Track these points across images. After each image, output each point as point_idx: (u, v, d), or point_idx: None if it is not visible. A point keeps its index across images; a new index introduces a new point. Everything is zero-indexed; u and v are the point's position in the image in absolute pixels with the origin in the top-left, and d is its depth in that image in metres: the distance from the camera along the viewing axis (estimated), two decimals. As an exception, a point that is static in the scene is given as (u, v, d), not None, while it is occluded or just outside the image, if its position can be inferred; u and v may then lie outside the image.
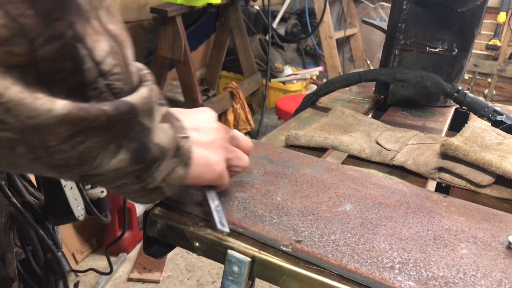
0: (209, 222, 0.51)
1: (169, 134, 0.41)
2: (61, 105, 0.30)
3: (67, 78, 0.31)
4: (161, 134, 0.40)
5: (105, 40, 0.33)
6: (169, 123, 0.42)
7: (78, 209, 0.83)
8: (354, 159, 0.78)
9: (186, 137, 0.45)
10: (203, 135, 0.50)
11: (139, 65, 0.40)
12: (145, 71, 0.40)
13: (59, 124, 0.31)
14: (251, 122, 3.24)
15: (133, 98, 0.36)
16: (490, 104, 0.97)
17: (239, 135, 0.58)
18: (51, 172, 0.35)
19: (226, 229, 0.49)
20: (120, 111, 0.34)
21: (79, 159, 0.34)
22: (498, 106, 0.97)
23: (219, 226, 0.49)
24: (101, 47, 0.32)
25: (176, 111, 0.49)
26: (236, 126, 3.14)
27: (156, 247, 0.59)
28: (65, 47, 0.30)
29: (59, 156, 0.33)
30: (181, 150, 0.44)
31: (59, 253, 0.85)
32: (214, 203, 0.51)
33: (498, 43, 4.18)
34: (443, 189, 0.76)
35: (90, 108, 0.32)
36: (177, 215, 0.54)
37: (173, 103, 2.91)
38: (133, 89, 0.37)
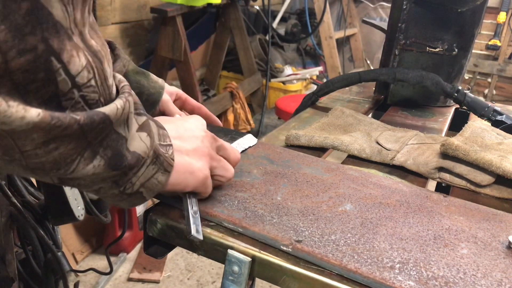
0: (185, 227, 0.51)
1: (146, 143, 0.43)
2: (34, 113, 0.32)
3: (41, 89, 0.33)
4: (137, 143, 0.42)
5: (84, 55, 0.35)
6: (147, 132, 0.44)
7: (78, 209, 0.83)
8: (354, 159, 0.79)
9: (169, 145, 0.47)
10: (186, 143, 0.51)
11: (120, 77, 0.43)
12: (124, 83, 0.42)
13: (32, 131, 0.33)
14: (251, 122, 3.24)
15: (107, 109, 0.38)
16: (490, 104, 0.97)
17: (228, 145, 0.59)
18: (29, 174, 0.37)
19: (200, 237, 0.49)
20: (93, 121, 0.36)
21: (54, 163, 0.36)
22: (498, 106, 0.97)
23: (193, 232, 0.49)
24: (78, 61, 0.34)
25: (161, 119, 0.51)
26: (236, 126, 3.14)
27: (156, 247, 0.59)
28: (38, 59, 0.32)
29: (34, 160, 0.35)
30: (161, 157, 0.45)
31: (59, 253, 0.85)
32: (192, 209, 0.51)
33: (498, 43, 4.18)
34: (443, 189, 0.76)
35: (62, 117, 0.34)
36: (177, 215, 0.54)
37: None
38: (110, 101, 0.39)
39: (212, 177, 0.54)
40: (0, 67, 0.30)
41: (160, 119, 0.52)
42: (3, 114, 0.31)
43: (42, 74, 0.32)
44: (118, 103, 0.39)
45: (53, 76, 0.33)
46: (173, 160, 0.48)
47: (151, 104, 0.72)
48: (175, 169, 0.48)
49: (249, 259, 0.49)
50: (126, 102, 0.40)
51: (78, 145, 0.36)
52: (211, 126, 0.78)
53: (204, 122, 0.57)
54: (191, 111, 0.79)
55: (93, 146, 0.37)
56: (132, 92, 0.43)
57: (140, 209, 2.09)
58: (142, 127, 0.43)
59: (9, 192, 0.75)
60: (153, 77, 0.74)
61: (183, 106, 0.79)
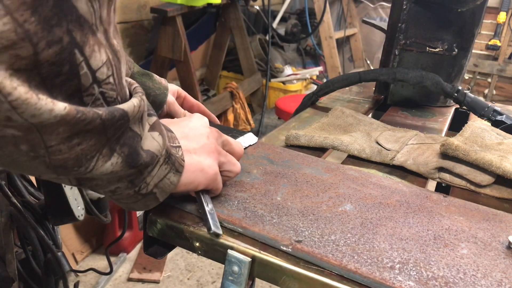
0: (204, 224, 0.52)
1: (159, 142, 0.44)
2: (61, 106, 0.33)
3: (66, 82, 0.33)
4: (151, 141, 0.43)
5: (105, 51, 0.36)
6: (159, 131, 0.45)
7: (78, 209, 0.83)
8: (354, 159, 0.78)
9: (178, 147, 0.48)
10: (193, 142, 0.52)
11: (130, 80, 0.44)
12: (135, 85, 0.43)
13: (59, 124, 0.33)
14: (251, 122, 3.24)
15: (125, 106, 0.38)
16: (490, 104, 0.97)
17: (232, 140, 0.60)
18: (50, 172, 0.37)
19: (220, 232, 0.50)
20: (113, 116, 0.37)
21: (76, 160, 0.36)
22: (498, 106, 0.97)
23: (213, 228, 0.50)
24: (99, 57, 0.35)
25: (165, 121, 0.52)
26: (236, 126, 3.13)
27: (156, 247, 0.59)
28: (63, 51, 0.32)
29: (58, 157, 0.35)
30: (172, 157, 0.46)
31: (59, 253, 0.85)
32: (208, 207, 0.53)
33: (498, 43, 4.18)
34: (443, 189, 0.76)
35: (86, 111, 0.34)
36: (177, 215, 0.54)
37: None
38: (125, 100, 0.40)
39: (220, 173, 0.55)
40: (30, 59, 0.30)
41: (163, 121, 0.52)
42: (34, 106, 0.31)
43: (67, 67, 0.33)
44: (134, 101, 0.40)
45: (76, 69, 0.33)
46: (183, 160, 0.48)
47: (157, 106, 0.73)
48: (186, 169, 0.49)
49: (249, 259, 0.48)
50: (141, 100, 0.41)
51: (98, 142, 0.37)
52: (213, 125, 0.78)
53: (206, 120, 0.58)
54: (190, 109, 0.80)
55: (111, 143, 0.38)
56: (143, 92, 0.44)
57: (140, 209, 2.08)
58: (153, 127, 0.44)
59: (9, 192, 0.75)
60: (157, 78, 0.75)
61: (182, 104, 0.80)
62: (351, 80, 1.07)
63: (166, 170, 0.46)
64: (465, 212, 0.59)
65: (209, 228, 0.50)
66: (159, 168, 0.45)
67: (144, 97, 0.42)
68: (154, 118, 0.45)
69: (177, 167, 0.47)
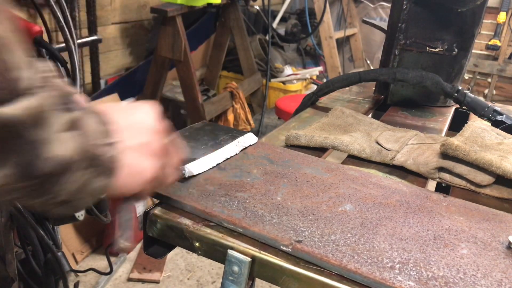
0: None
1: (74, 144, 0.36)
2: None
3: None
4: (61, 145, 0.35)
5: None
6: (78, 130, 0.37)
7: (78, 209, 0.83)
8: (354, 159, 0.78)
9: (112, 144, 0.40)
10: (135, 138, 0.45)
11: (44, 67, 0.35)
12: (48, 74, 0.35)
13: None
14: (251, 122, 3.23)
15: (12, 109, 0.31)
16: (490, 104, 0.97)
17: (177, 141, 0.52)
18: None
19: (127, 244, 0.47)
20: None
21: None
22: (498, 106, 0.97)
23: (120, 240, 0.47)
24: None
25: (112, 107, 0.45)
26: (236, 126, 3.13)
27: (156, 247, 0.59)
28: None
29: None
30: (100, 159, 0.39)
31: (59, 253, 0.85)
32: (125, 217, 0.49)
33: (498, 43, 4.18)
34: (443, 189, 0.76)
35: None
36: (177, 215, 0.54)
37: (173, 103, 2.91)
38: (16, 100, 0.32)
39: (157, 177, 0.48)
40: None
41: (107, 107, 0.44)
42: None
43: None
44: (32, 101, 0.32)
45: None
46: (117, 161, 0.41)
47: None
48: (121, 170, 0.41)
49: (249, 259, 0.49)
50: (46, 98, 0.33)
51: None
52: (213, 125, 0.78)
53: (157, 111, 0.49)
54: None
55: None
56: (60, 84, 0.36)
57: (140, 209, 2.09)
58: (70, 126, 0.36)
59: (9, 192, 0.75)
60: None
61: None
62: (351, 80, 1.07)
63: (89, 174, 0.38)
64: (465, 212, 0.59)
65: (114, 241, 0.46)
66: (76, 174, 0.37)
67: (52, 92, 0.34)
68: (75, 114, 0.36)
69: (107, 170, 0.40)
